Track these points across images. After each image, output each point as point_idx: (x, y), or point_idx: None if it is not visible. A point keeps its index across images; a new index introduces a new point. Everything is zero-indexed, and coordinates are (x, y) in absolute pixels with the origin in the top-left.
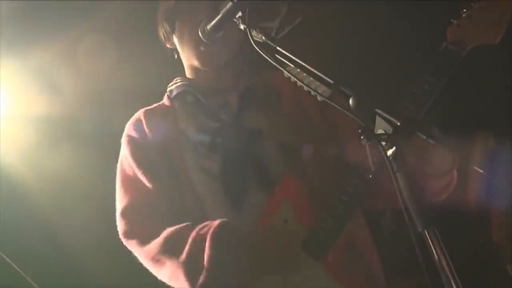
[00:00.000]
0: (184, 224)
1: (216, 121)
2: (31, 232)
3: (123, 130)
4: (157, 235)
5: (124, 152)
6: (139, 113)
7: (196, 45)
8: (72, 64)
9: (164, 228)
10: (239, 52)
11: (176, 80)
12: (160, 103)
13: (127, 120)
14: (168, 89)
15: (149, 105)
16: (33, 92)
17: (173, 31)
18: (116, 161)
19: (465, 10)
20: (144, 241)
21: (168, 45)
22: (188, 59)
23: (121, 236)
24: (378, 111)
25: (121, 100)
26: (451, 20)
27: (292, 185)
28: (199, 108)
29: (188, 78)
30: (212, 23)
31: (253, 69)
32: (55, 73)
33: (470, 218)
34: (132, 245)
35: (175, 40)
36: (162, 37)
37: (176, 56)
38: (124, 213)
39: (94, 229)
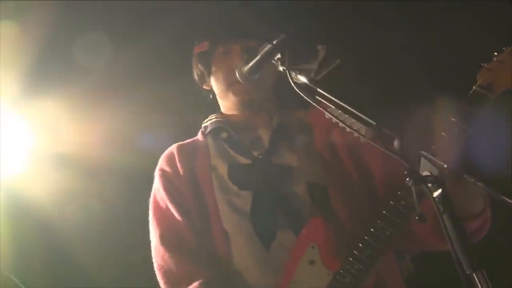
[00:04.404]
0: None
1: (248, 158)
2: (57, 267)
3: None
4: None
5: (157, 185)
6: (173, 148)
7: (232, 83)
8: (98, 104)
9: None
10: (272, 91)
11: (211, 117)
12: (194, 138)
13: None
14: (203, 125)
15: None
16: (59, 130)
17: (209, 73)
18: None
19: (496, 54)
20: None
21: (204, 87)
22: (224, 97)
23: (156, 268)
24: (424, 153)
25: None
26: (482, 64)
27: (319, 227)
28: (231, 144)
29: (222, 115)
30: (250, 64)
31: (286, 108)
32: (82, 112)
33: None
34: (160, 282)
35: (212, 81)
36: (198, 80)
37: (211, 96)
38: (162, 241)
39: (117, 261)
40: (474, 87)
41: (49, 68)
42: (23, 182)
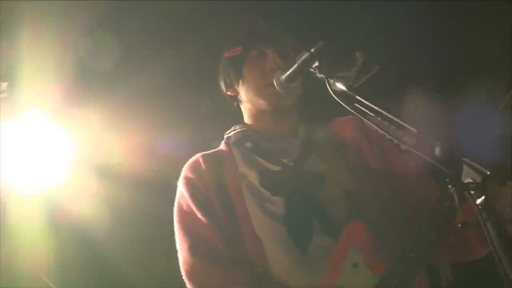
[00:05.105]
0: None
1: (277, 165)
2: (99, 276)
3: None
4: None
5: (183, 193)
6: (197, 157)
7: (265, 86)
8: (138, 115)
9: (222, 276)
10: (298, 102)
11: (234, 127)
12: (218, 149)
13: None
14: (226, 135)
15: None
16: (99, 140)
17: (239, 77)
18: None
19: None
20: None
21: (229, 93)
22: (252, 101)
23: (184, 277)
24: (466, 160)
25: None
26: None
27: (360, 230)
28: (258, 152)
29: (246, 125)
30: (288, 72)
31: (309, 119)
32: (122, 123)
33: None
34: None
35: (241, 85)
36: (224, 85)
37: (235, 104)
38: (191, 250)
39: (158, 270)
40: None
41: (90, 79)
42: (65, 192)
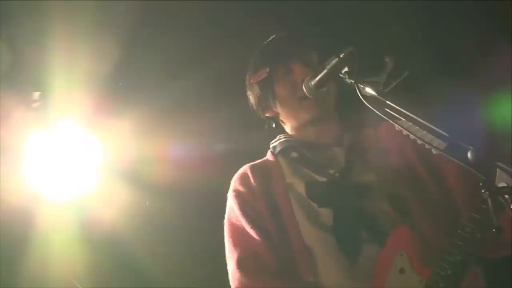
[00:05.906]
0: None
1: (323, 176)
2: (127, 281)
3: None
4: None
5: (232, 206)
6: (245, 168)
7: (301, 99)
8: (165, 122)
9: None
10: (337, 106)
11: (279, 137)
12: (264, 159)
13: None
14: (272, 145)
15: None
16: (130, 149)
17: (273, 98)
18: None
19: None
20: None
21: (267, 115)
22: (291, 117)
23: None
24: (500, 164)
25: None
26: None
27: (405, 235)
28: (305, 163)
29: (290, 135)
30: (317, 78)
31: (353, 125)
32: (150, 130)
33: None
34: None
35: (277, 105)
36: (259, 109)
37: (273, 125)
38: (239, 265)
39: (185, 275)
40: None
41: (120, 89)
42: (95, 200)
